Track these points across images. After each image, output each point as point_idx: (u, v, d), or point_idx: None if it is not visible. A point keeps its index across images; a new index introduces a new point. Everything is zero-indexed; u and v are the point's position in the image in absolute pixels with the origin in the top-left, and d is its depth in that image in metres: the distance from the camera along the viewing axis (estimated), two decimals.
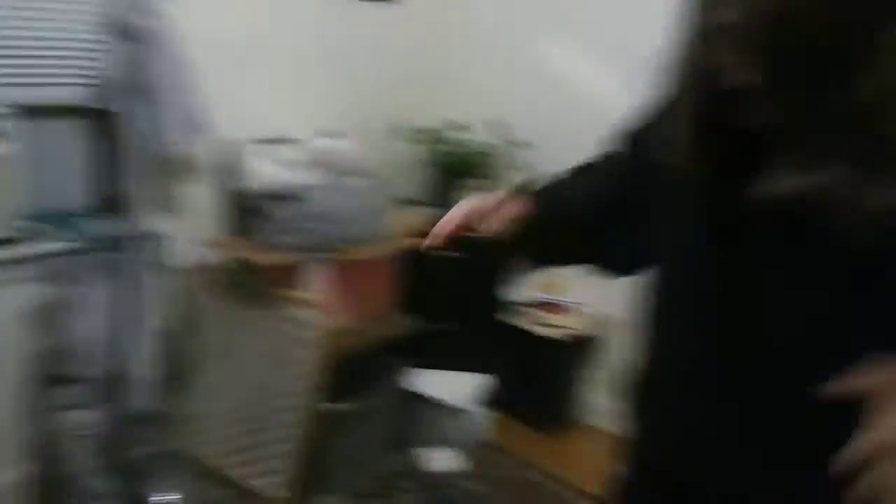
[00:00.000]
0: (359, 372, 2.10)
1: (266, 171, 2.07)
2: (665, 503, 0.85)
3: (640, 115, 0.88)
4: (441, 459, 2.30)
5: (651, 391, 0.85)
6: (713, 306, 0.73)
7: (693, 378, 0.78)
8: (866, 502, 0.58)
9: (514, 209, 0.96)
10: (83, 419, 1.75)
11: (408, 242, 2.16)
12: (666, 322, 0.82)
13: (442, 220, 0.99)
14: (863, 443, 0.58)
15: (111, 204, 1.95)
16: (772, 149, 0.59)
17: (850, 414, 0.60)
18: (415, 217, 2.29)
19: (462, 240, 1.20)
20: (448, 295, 2.41)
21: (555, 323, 2.51)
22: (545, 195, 0.98)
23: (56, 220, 1.81)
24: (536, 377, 2.49)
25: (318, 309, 1.97)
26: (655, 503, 0.88)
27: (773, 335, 0.68)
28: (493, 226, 0.96)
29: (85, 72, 1.83)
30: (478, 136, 2.54)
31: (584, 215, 0.93)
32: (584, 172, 0.97)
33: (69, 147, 1.90)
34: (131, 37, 1.79)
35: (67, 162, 1.89)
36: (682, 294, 0.79)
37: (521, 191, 0.99)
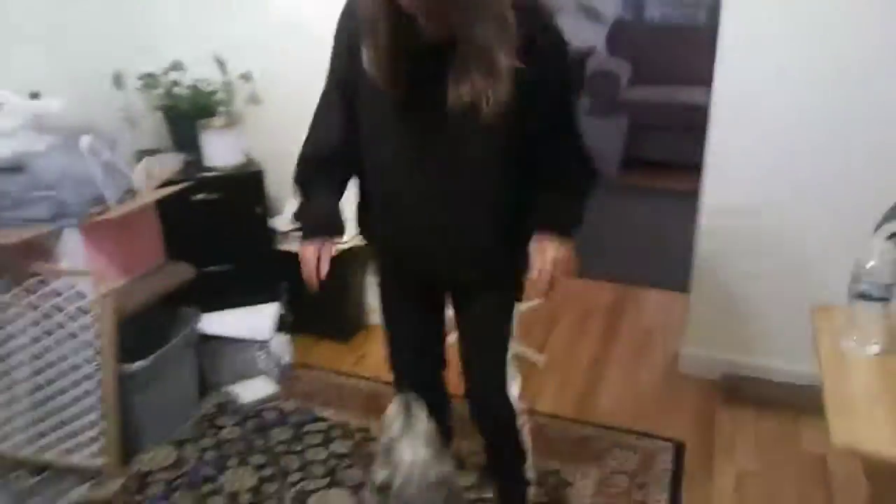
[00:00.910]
0: (147, 327, 2.07)
1: None
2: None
3: (335, 59, 1.37)
4: (251, 390, 2.38)
5: (397, 215, 1.41)
6: (426, 149, 1.31)
7: (421, 194, 1.35)
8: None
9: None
10: None
11: (161, 192, 2.13)
12: (403, 170, 1.35)
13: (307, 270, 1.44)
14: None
15: None
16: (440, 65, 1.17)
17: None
18: (160, 165, 2.24)
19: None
20: (216, 236, 2.44)
21: None
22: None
23: None
24: (319, 293, 2.62)
25: (85, 276, 1.89)
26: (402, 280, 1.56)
27: (456, 156, 1.31)
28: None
29: None
30: (196, 74, 2.51)
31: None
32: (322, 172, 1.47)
33: None
34: None
35: None
36: (406, 146, 1.32)
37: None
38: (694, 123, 2.86)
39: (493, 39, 1.13)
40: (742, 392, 2.35)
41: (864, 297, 1.26)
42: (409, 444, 1.34)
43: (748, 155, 2.21)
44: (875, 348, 1.28)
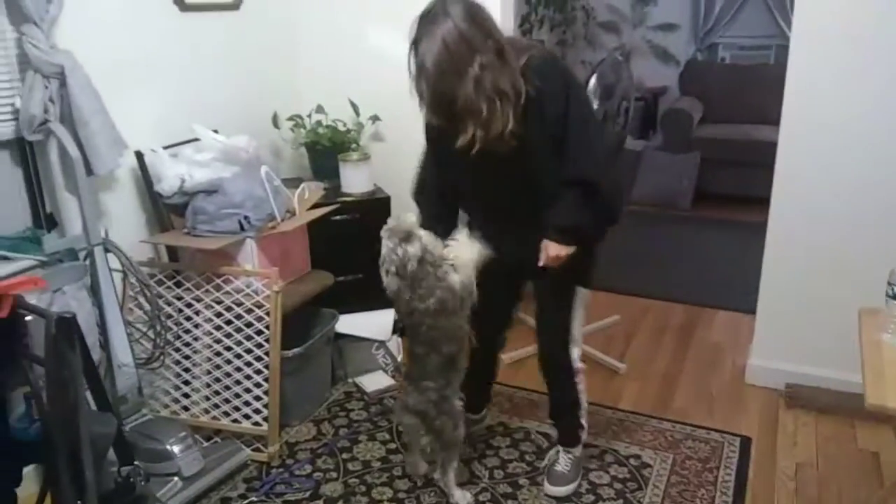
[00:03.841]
0: (298, 322, 2.54)
1: (181, 171, 2.40)
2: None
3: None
4: (373, 382, 2.82)
5: (481, 225, 2.04)
6: (490, 181, 1.91)
7: (493, 210, 2.00)
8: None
9: None
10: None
11: (315, 212, 2.61)
12: (479, 196, 2.01)
13: None
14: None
15: (53, 220, 2.19)
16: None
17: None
18: (307, 192, 2.72)
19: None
20: (350, 250, 2.90)
21: None
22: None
23: (9, 242, 2.02)
24: None
25: (259, 277, 2.37)
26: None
27: (507, 188, 1.91)
28: None
29: (8, 109, 2.05)
30: (334, 116, 3.02)
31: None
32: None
33: (4, 176, 2.11)
34: (48, 73, 2.03)
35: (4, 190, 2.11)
36: (477, 181, 1.94)
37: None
38: (762, 159, 3.17)
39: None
40: (803, 399, 2.64)
41: None
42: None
43: (812, 188, 2.53)
44: None
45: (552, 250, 1.87)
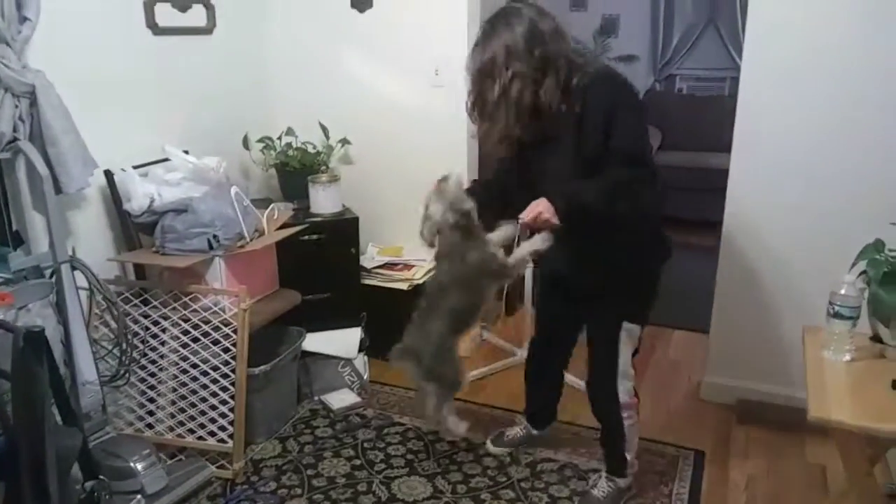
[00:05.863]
0: (265, 340, 2.56)
1: (151, 190, 2.42)
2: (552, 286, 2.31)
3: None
4: (339, 399, 2.84)
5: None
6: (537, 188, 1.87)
7: None
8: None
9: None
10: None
11: (284, 232, 2.65)
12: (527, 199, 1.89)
13: None
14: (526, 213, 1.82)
15: (19, 238, 2.19)
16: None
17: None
18: (277, 212, 2.76)
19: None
20: (318, 271, 2.95)
21: (398, 278, 3.13)
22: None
23: None
24: (392, 321, 3.09)
25: (226, 295, 2.39)
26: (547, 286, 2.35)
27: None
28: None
29: None
30: (304, 138, 3.08)
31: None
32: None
33: None
34: (19, 92, 2.05)
35: None
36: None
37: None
38: (716, 185, 3.29)
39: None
40: (755, 414, 2.75)
41: (837, 316, 1.71)
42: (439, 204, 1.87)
43: (759, 213, 2.66)
44: (846, 356, 1.72)
45: (540, 206, 1.78)
